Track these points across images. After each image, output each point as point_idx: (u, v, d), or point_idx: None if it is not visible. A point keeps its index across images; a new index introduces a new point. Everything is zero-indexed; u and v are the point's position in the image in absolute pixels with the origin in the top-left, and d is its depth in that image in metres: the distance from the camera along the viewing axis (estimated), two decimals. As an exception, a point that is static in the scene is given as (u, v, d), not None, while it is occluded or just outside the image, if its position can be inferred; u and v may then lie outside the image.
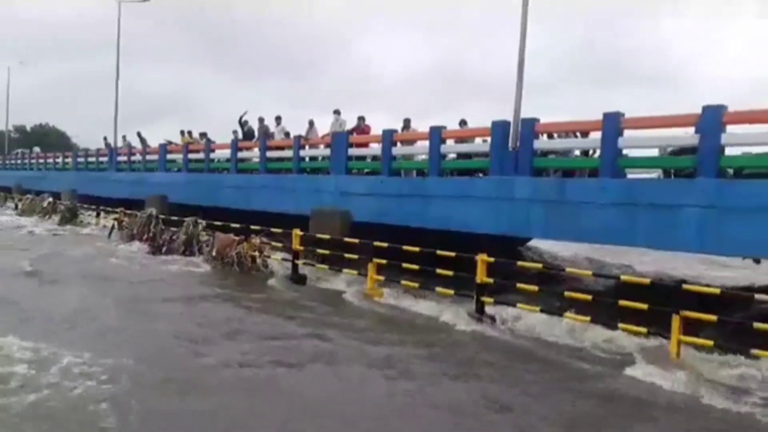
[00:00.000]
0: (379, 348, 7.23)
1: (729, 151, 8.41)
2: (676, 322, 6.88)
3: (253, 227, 13.08)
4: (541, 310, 8.25)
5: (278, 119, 17.14)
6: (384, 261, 10.30)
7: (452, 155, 11.92)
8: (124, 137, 25.22)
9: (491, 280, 8.91)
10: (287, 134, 16.51)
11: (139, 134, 23.51)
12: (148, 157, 21.85)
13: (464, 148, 11.82)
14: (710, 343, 6.79)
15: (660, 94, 51.61)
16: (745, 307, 7.86)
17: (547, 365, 6.87)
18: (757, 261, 8.44)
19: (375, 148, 13.25)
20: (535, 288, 8.54)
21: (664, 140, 9.18)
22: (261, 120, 17.45)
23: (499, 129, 10.49)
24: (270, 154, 16.12)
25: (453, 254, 9.36)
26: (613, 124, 8.90)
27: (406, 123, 13.27)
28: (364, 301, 9.98)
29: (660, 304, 7.15)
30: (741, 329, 6.95)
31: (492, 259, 8.91)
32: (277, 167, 15.96)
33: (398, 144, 12.79)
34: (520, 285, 8.61)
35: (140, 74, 67.68)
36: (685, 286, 7.24)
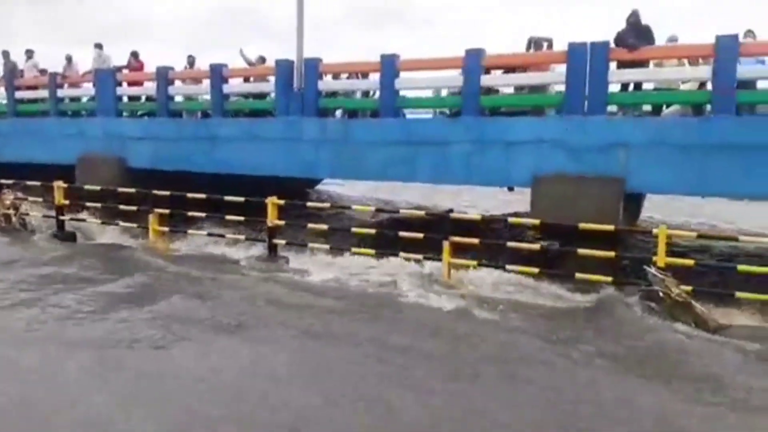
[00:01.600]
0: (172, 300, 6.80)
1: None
2: (446, 247, 7.65)
3: (4, 182, 11.18)
4: (331, 248, 8.52)
5: (29, 53, 14.52)
6: (167, 211, 9.62)
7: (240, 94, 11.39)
8: None
9: (282, 223, 8.92)
10: (42, 71, 14.13)
11: None
12: None
13: (249, 87, 11.32)
14: (474, 263, 7.69)
15: (424, 37, 54.53)
16: (502, 230, 9.06)
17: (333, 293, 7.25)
18: (511, 189, 9.68)
19: (150, 87, 12.04)
20: (324, 227, 8.76)
21: (435, 81, 9.83)
22: (5, 54, 14.63)
23: (284, 68, 10.24)
24: (20, 94, 13.70)
25: (242, 199, 9.12)
26: (390, 66, 9.24)
27: (191, 60, 12.24)
28: (146, 254, 9.26)
29: (434, 233, 7.89)
30: (500, 249, 7.97)
31: (282, 202, 8.90)
32: (31, 110, 13.66)
33: (176, 83, 11.79)
34: (310, 225, 8.76)
35: None
36: (452, 215, 8.02)
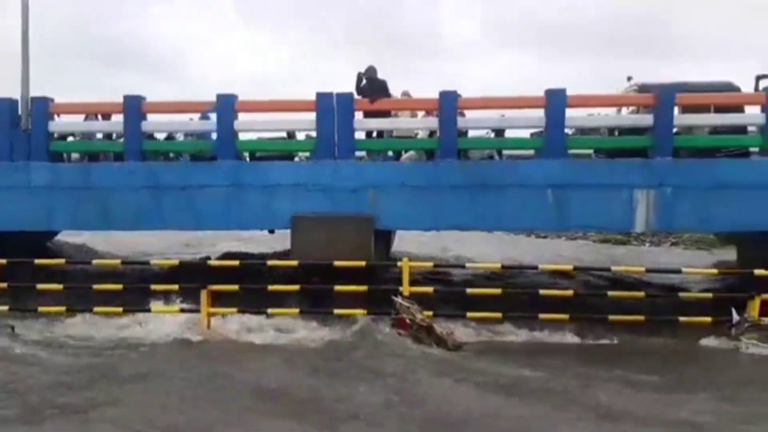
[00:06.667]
0: None
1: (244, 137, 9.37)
2: (204, 296, 7.33)
3: None
4: (68, 310, 7.52)
5: None
6: None
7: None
8: None
9: (4, 285, 7.62)
10: None
11: None
12: None
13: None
14: (234, 310, 7.48)
15: (167, 82, 53.18)
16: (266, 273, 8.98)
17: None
18: (272, 231, 9.74)
19: None
20: (59, 287, 7.69)
21: (187, 125, 9.57)
22: None
23: (4, 108, 8.91)
24: None
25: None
26: (135, 107, 8.71)
27: None
28: None
29: (190, 282, 7.51)
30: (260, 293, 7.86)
31: (3, 261, 7.63)
32: None
33: None
34: (40, 286, 7.63)
35: None
36: (210, 262, 7.74)
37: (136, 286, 7.94)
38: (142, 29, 57.07)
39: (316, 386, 5.51)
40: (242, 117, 8.88)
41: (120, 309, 7.47)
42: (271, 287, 7.55)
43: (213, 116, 8.91)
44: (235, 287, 7.48)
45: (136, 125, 8.73)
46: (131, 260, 9.39)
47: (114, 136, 9.46)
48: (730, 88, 9.19)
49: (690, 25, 50.05)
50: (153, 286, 7.47)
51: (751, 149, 8.97)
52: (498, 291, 7.46)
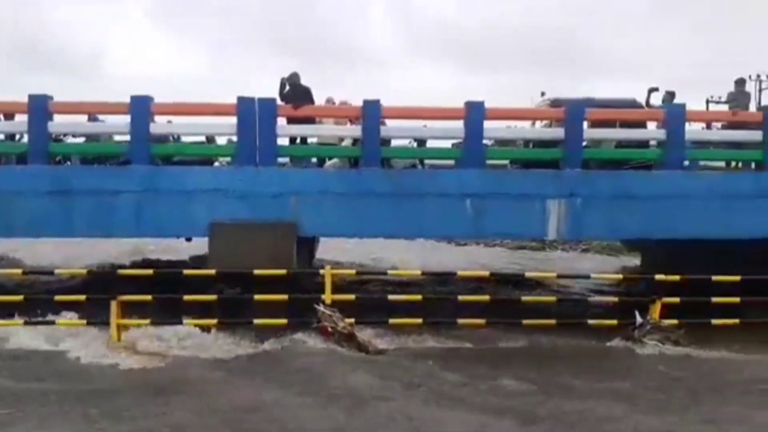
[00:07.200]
0: None
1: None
2: (114, 307, 6.96)
3: None
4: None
5: None
6: None
7: None
8: None
9: None
10: None
11: None
12: None
13: None
14: (147, 321, 7.15)
15: (85, 83, 50.83)
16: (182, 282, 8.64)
17: None
18: (189, 239, 9.42)
19: None
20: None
21: (99, 127, 9.12)
22: None
23: None
24: None
25: None
26: (40, 106, 8.18)
27: None
28: None
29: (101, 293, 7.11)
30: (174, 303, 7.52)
31: None
32: None
33: None
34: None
35: None
36: (120, 272, 7.39)
37: (39, 297, 7.42)
38: (60, 30, 54.28)
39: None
40: (159, 120, 8.56)
41: (20, 322, 6.95)
42: (186, 297, 7.27)
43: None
44: (147, 297, 7.15)
45: (41, 126, 8.20)
46: (35, 270, 8.79)
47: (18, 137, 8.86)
48: (634, 104, 9.85)
49: (600, 43, 53.50)
50: (58, 297, 6.99)
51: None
52: (419, 297, 7.57)
